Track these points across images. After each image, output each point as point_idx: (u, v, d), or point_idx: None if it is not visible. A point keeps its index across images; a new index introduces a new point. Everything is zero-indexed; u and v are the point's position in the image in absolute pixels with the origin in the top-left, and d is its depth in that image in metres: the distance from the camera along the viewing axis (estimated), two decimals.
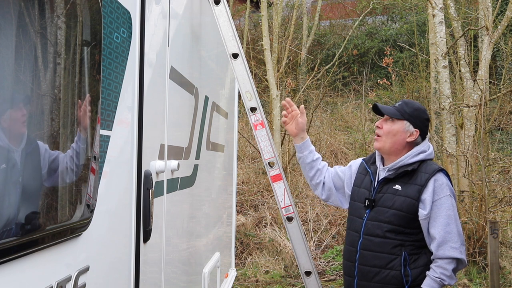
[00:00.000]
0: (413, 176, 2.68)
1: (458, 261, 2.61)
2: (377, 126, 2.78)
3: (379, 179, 2.77)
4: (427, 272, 2.62)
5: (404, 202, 2.64)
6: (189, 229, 3.10)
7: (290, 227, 3.19)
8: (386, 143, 2.73)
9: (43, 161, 1.40)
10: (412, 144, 2.74)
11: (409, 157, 2.71)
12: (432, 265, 2.62)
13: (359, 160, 3.03)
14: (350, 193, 2.95)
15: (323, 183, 3.05)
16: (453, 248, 2.58)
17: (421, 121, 2.74)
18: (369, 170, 2.85)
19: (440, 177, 2.66)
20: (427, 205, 2.60)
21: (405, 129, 2.72)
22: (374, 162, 2.87)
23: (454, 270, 2.61)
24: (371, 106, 2.79)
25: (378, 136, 2.77)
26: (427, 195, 2.61)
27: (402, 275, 2.62)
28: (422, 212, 2.61)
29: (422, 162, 2.71)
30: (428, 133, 2.82)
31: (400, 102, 2.81)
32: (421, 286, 2.60)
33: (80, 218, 1.60)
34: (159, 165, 2.34)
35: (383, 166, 2.80)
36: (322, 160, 3.10)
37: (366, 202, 2.75)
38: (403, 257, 2.62)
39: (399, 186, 2.68)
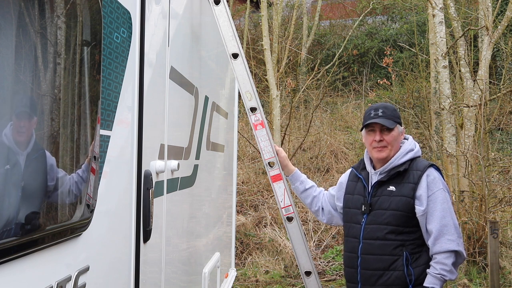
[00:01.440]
0: (405, 175, 2.72)
1: (456, 254, 2.62)
2: (380, 140, 2.76)
3: (373, 183, 2.79)
4: (428, 270, 2.62)
5: (400, 202, 2.67)
6: (189, 229, 3.10)
7: (290, 227, 3.19)
8: (392, 151, 2.78)
9: (45, 162, 1.40)
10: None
11: (399, 157, 2.76)
12: (431, 263, 2.63)
13: (347, 172, 3.07)
14: (342, 204, 2.97)
15: (322, 208, 3.14)
16: (450, 240, 2.59)
17: (400, 118, 2.85)
18: (360, 176, 2.88)
19: (432, 172, 2.71)
20: (423, 201, 2.64)
21: (400, 131, 2.81)
22: (364, 168, 2.89)
23: (454, 264, 2.62)
24: (364, 125, 2.82)
25: (383, 147, 2.77)
26: (422, 191, 2.65)
27: (405, 275, 2.62)
28: (419, 209, 2.64)
29: (411, 160, 2.76)
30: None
31: (380, 109, 2.79)
32: (424, 285, 2.61)
33: (80, 218, 1.60)
34: (159, 165, 2.34)
35: (374, 170, 2.82)
36: (317, 187, 3.20)
37: (363, 207, 2.77)
38: (405, 257, 2.64)
39: (393, 187, 2.72)
